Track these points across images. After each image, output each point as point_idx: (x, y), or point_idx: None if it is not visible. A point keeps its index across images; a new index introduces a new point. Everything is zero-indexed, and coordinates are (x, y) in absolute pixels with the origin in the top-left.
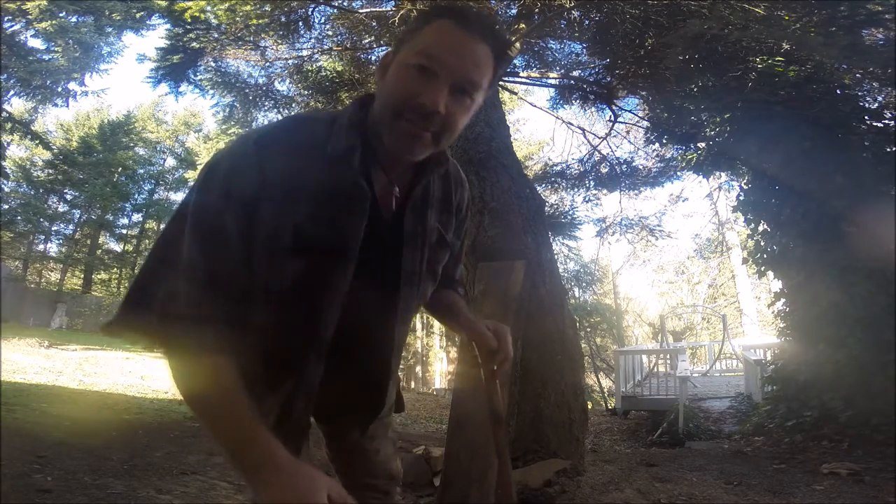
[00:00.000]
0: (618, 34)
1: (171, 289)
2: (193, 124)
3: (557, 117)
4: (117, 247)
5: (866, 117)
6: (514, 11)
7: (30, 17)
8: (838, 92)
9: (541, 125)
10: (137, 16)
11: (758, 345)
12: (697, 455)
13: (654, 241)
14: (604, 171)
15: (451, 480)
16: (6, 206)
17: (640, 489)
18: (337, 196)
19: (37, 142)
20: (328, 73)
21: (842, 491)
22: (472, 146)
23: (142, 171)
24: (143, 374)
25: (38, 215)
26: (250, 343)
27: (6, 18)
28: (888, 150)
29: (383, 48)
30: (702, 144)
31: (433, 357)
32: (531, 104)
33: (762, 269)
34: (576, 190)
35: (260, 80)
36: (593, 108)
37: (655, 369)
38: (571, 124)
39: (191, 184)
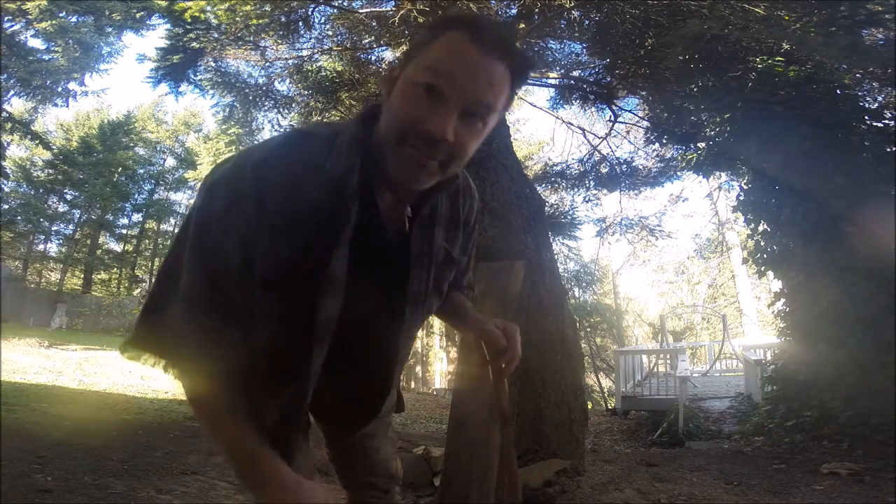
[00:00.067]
0: (618, 34)
1: (180, 313)
2: (193, 124)
3: (557, 117)
4: (117, 247)
5: (866, 117)
6: (514, 11)
7: (30, 17)
8: (838, 92)
9: (541, 125)
10: (137, 16)
11: (758, 345)
12: (697, 455)
13: (654, 241)
14: (604, 171)
15: (451, 480)
16: (6, 206)
17: (640, 489)
18: (327, 221)
19: (37, 142)
20: (328, 73)
21: (842, 491)
22: None
23: (142, 171)
24: (143, 374)
25: (38, 215)
26: (252, 361)
27: (6, 18)
28: (888, 150)
29: (383, 48)
30: (702, 144)
31: (433, 357)
32: (531, 104)
33: (762, 269)
34: (576, 190)
35: (260, 80)
36: (593, 108)
37: (655, 369)
38: (571, 124)
39: (191, 184)
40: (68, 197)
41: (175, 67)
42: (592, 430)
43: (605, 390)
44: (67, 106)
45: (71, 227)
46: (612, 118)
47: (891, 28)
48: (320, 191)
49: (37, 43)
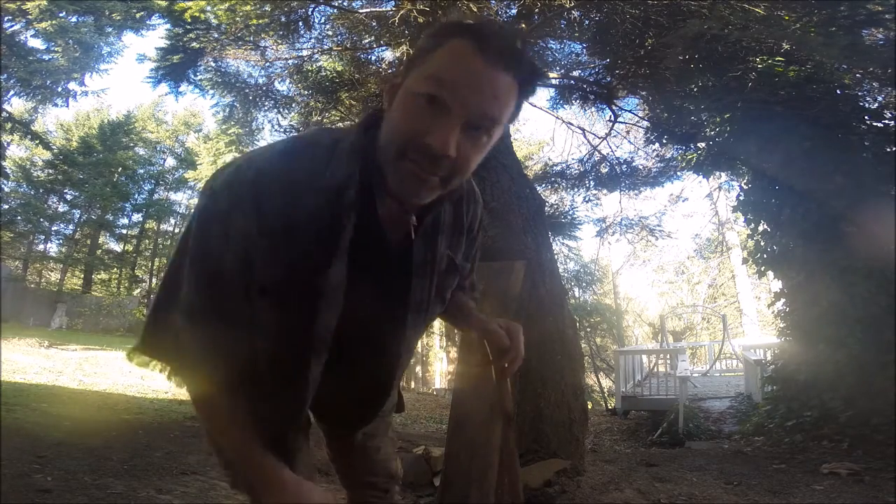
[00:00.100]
0: (618, 34)
1: (181, 321)
2: (193, 124)
3: (557, 117)
4: (117, 247)
5: (866, 117)
6: (514, 11)
7: (30, 17)
8: (838, 92)
9: (541, 125)
10: (137, 16)
11: (758, 345)
12: (697, 455)
13: (654, 241)
14: (604, 171)
15: (451, 480)
16: (6, 206)
17: (640, 489)
18: (324, 231)
19: (37, 142)
20: (328, 73)
21: (842, 491)
22: None
23: (142, 171)
24: (143, 375)
25: (38, 215)
26: (252, 367)
27: (6, 18)
28: (888, 150)
29: (383, 48)
30: (702, 144)
31: (433, 357)
32: (531, 104)
33: (762, 269)
34: (576, 190)
35: (260, 80)
36: (593, 108)
37: (655, 369)
38: (571, 124)
39: (191, 184)
40: (68, 197)
41: (175, 67)
42: (592, 430)
43: (605, 390)
44: (67, 106)
45: (71, 227)
46: (612, 118)
47: (891, 28)
48: (319, 201)
49: (37, 43)
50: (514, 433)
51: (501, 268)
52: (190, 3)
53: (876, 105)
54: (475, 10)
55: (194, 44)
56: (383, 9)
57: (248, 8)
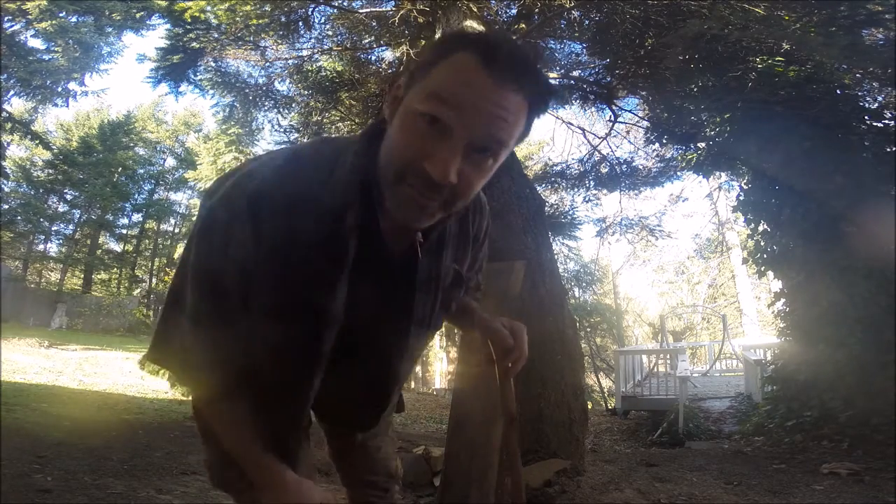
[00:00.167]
0: (618, 34)
1: (184, 336)
2: (193, 124)
3: (557, 117)
4: (117, 247)
5: (866, 117)
6: (514, 11)
7: (30, 17)
8: (838, 92)
9: (541, 125)
10: (137, 16)
11: (758, 345)
12: (697, 455)
13: (654, 241)
14: (604, 171)
15: (451, 480)
16: (6, 206)
17: (640, 489)
18: (325, 256)
19: (37, 142)
20: (328, 73)
21: (842, 491)
22: None
23: (142, 171)
24: (143, 375)
25: (38, 215)
26: (254, 376)
27: (6, 18)
28: (888, 150)
29: (383, 48)
30: (702, 144)
31: (433, 357)
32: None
33: (762, 269)
34: (576, 190)
35: (260, 80)
36: (593, 108)
37: (655, 369)
38: (571, 124)
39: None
40: (68, 197)
41: (175, 67)
42: (592, 430)
43: (605, 390)
44: (67, 106)
45: (71, 227)
46: (612, 118)
47: (891, 28)
48: (320, 222)
49: (37, 43)
50: (517, 433)
51: (501, 268)
52: (190, 3)
53: (876, 105)
54: (475, 10)
55: (194, 44)
56: (383, 9)
57: (248, 8)
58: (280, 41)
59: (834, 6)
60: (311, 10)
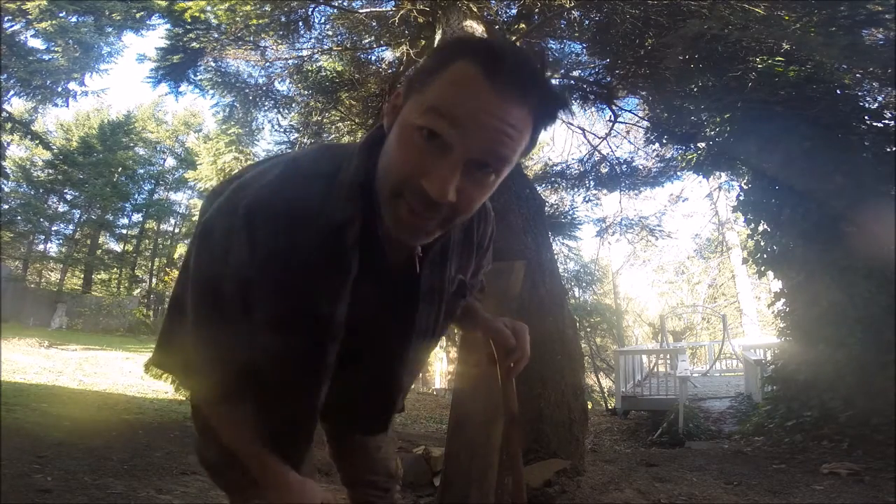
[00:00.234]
0: (618, 34)
1: (186, 342)
2: (193, 124)
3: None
4: (117, 247)
5: (866, 117)
6: (514, 11)
7: (30, 17)
8: (838, 92)
9: None
10: (137, 16)
11: (758, 345)
12: (697, 455)
13: (654, 241)
14: (604, 171)
15: (451, 480)
16: (6, 206)
17: (640, 489)
18: (325, 274)
19: (37, 142)
20: (328, 73)
21: (842, 491)
22: None
23: (142, 171)
24: (143, 375)
25: (38, 215)
26: (255, 383)
27: (6, 18)
28: (888, 150)
29: (383, 48)
30: (702, 144)
31: (433, 357)
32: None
33: (762, 269)
34: (576, 190)
35: (260, 80)
36: (593, 108)
37: (655, 369)
38: (571, 124)
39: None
40: (68, 197)
41: (175, 67)
42: (592, 430)
43: (605, 390)
44: (67, 106)
45: (71, 227)
46: (612, 118)
47: (891, 28)
48: (318, 239)
49: (37, 43)
50: (518, 433)
51: (501, 268)
52: (190, 3)
53: (876, 105)
54: (475, 10)
55: (194, 44)
56: (383, 9)
57: (248, 8)
58: (280, 41)
59: (834, 6)
60: (311, 10)
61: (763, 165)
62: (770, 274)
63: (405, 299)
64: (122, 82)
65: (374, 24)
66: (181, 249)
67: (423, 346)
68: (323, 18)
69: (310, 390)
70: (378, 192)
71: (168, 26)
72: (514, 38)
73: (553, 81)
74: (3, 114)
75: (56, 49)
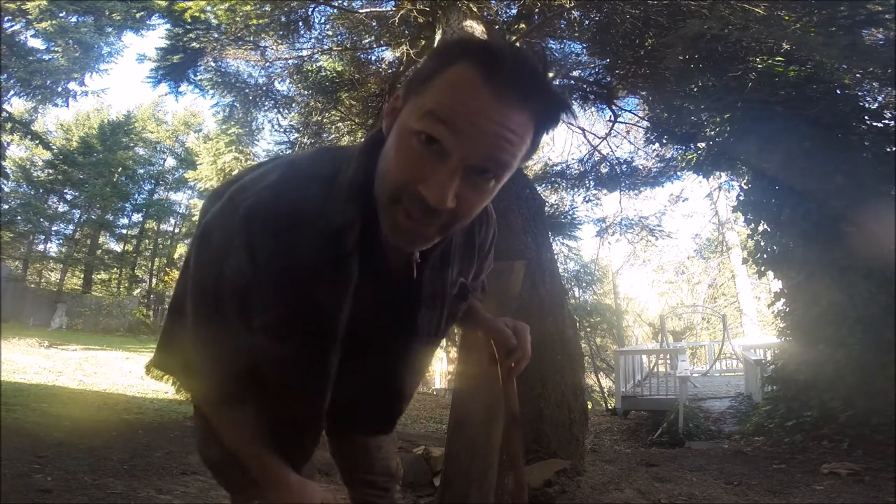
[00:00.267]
0: (618, 34)
1: (186, 344)
2: (193, 124)
3: None
4: (117, 247)
5: (866, 117)
6: (514, 11)
7: (30, 17)
8: (838, 92)
9: None
10: (137, 16)
11: (758, 345)
12: (697, 455)
13: (654, 241)
14: (604, 171)
15: (451, 480)
16: (6, 206)
17: (640, 489)
18: (325, 279)
19: (37, 142)
20: (328, 73)
21: (842, 491)
22: None
23: (142, 171)
24: (144, 375)
25: (38, 215)
26: (255, 388)
27: (6, 18)
28: (888, 150)
29: (383, 48)
30: (702, 144)
31: (433, 357)
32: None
33: (762, 269)
34: (576, 190)
35: (260, 80)
36: (593, 108)
37: (655, 369)
38: (571, 124)
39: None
40: (68, 197)
41: (175, 67)
42: (592, 430)
43: (605, 390)
44: (67, 106)
45: (71, 227)
46: (612, 118)
47: (891, 28)
48: (317, 245)
49: (37, 43)
50: (520, 433)
51: (501, 268)
52: (190, 3)
53: (876, 105)
54: (475, 10)
55: (194, 44)
56: (383, 9)
57: (248, 8)
58: (280, 41)
59: (834, 6)
60: (311, 10)
61: (763, 165)
62: (770, 274)
63: (407, 303)
64: (122, 82)
65: (374, 24)
66: (181, 249)
67: (426, 349)
68: (323, 18)
69: (313, 394)
70: (376, 196)
71: (168, 26)
72: (513, 38)
73: (554, 82)
74: (3, 114)
75: (56, 49)
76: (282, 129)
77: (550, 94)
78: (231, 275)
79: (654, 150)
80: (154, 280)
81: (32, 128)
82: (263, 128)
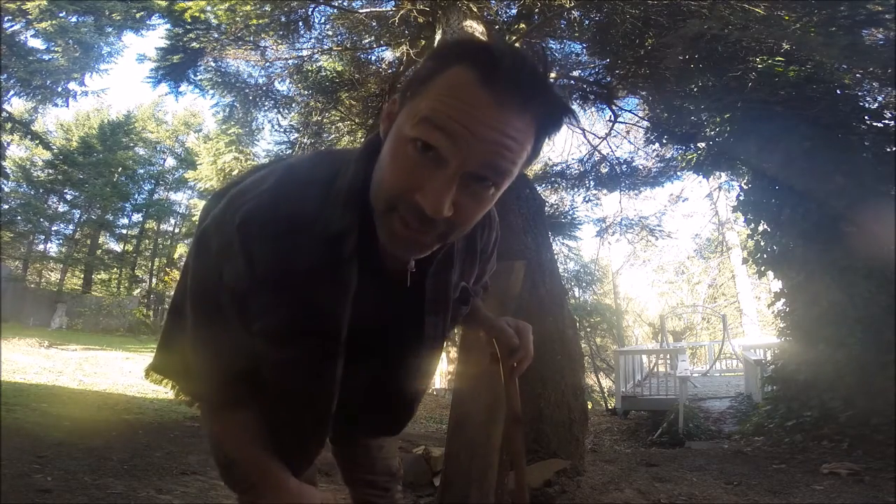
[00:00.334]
0: (618, 34)
1: (185, 348)
2: (193, 124)
3: None
4: (117, 247)
5: (866, 117)
6: (514, 11)
7: (30, 17)
8: (838, 92)
9: None
10: (137, 16)
11: (758, 345)
12: (697, 455)
13: (654, 241)
14: (604, 171)
15: (451, 480)
16: (6, 206)
17: (640, 489)
18: (323, 285)
19: (37, 142)
20: (328, 73)
21: (842, 491)
22: None
23: (142, 171)
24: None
25: (38, 215)
26: (260, 405)
27: (6, 18)
28: (888, 150)
29: (383, 48)
30: (702, 144)
31: (438, 361)
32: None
33: (762, 269)
34: (576, 190)
35: (260, 80)
36: (593, 108)
37: (655, 369)
38: (571, 124)
39: (191, 184)
40: (68, 197)
41: (175, 67)
42: (592, 430)
43: (605, 390)
44: (67, 106)
45: (71, 227)
46: (612, 118)
47: (891, 28)
48: (314, 252)
49: (37, 43)
50: (521, 433)
51: (501, 268)
52: (190, 3)
53: (876, 105)
54: (475, 10)
55: (194, 44)
56: (383, 9)
57: (248, 8)
58: (280, 41)
59: (834, 6)
60: (311, 10)
61: (763, 165)
62: (770, 274)
63: (408, 309)
64: (122, 82)
65: (374, 24)
66: (181, 249)
67: (429, 354)
68: (323, 18)
69: (316, 399)
70: (372, 204)
71: (168, 26)
72: (514, 38)
73: (555, 84)
74: (3, 114)
75: (56, 49)
76: (282, 129)
77: (552, 98)
78: (229, 279)
79: (654, 150)
80: (154, 280)
81: (32, 128)
82: (263, 128)
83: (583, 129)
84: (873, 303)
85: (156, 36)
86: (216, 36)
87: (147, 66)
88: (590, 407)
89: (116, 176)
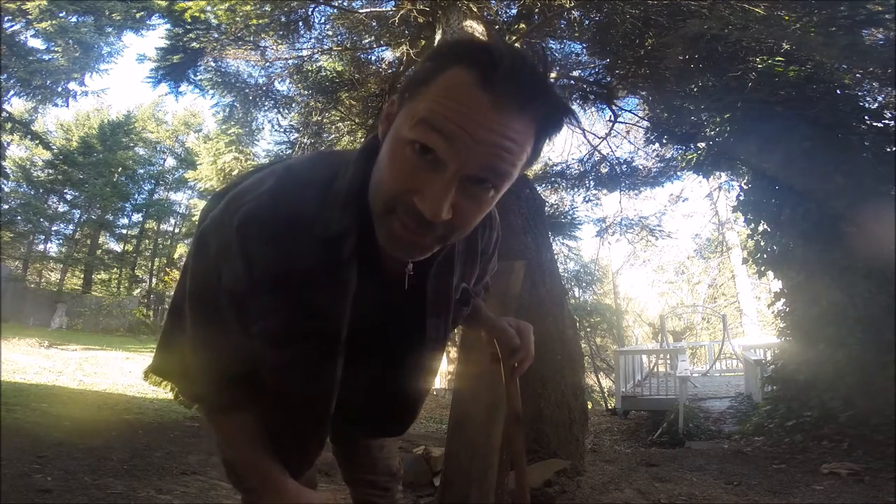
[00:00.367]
0: (618, 34)
1: (184, 350)
2: (193, 124)
3: None
4: (117, 247)
5: (866, 117)
6: (514, 11)
7: (30, 17)
8: (838, 92)
9: None
10: (137, 16)
11: (758, 345)
12: (697, 455)
13: (654, 241)
14: (604, 171)
15: (451, 480)
16: (6, 206)
17: (640, 489)
18: (323, 287)
19: (37, 142)
20: (328, 73)
21: (842, 491)
22: None
23: (142, 171)
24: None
25: (38, 215)
26: (259, 406)
27: (6, 18)
28: (888, 150)
29: (383, 48)
30: (702, 144)
31: (440, 362)
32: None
33: (762, 269)
34: (576, 190)
35: (260, 80)
36: (593, 108)
37: (655, 369)
38: (572, 125)
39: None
40: (68, 197)
41: (175, 67)
42: (592, 430)
43: (605, 390)
44: (67, 106)
45: (71, 227)
46: (612, 118)
47: (891, 28)
48: (312, 253)
49: (37, 43)
50: (522, 433)
51: (501, 268)
52: (190, 3)
53: (876, 105)
54: (475, 10)
55: (194, 44)
56: (383, 9)
57: (248, 8)
58: (280, 41)
59: (834, 6)
60: (311, 10)
61: (763, 165)
62: (770, 274)
63: (410, 311)
64: (122, 82)
65: (374, 24)
66: (181, 249)
67: (430, 356)
68: (323, 18)
69: (315, 400)
70: (371, 206)
71: (168, 26)
72: (514, 38)
73: (555, 84)
74: (3, 114)
75: (56, 49)
76: (282, 129)
77: (552, 99)
78: (228, 280)
79: (654, 150)
80: (154, 280)
81: (32, 128)
82: (263, 128)
83: (583, 129)
84: (873, 303)
85: (156, 36)
86: (216, 36)
87: (147, 66)
88: (590, 407)
89: (116, 176)
